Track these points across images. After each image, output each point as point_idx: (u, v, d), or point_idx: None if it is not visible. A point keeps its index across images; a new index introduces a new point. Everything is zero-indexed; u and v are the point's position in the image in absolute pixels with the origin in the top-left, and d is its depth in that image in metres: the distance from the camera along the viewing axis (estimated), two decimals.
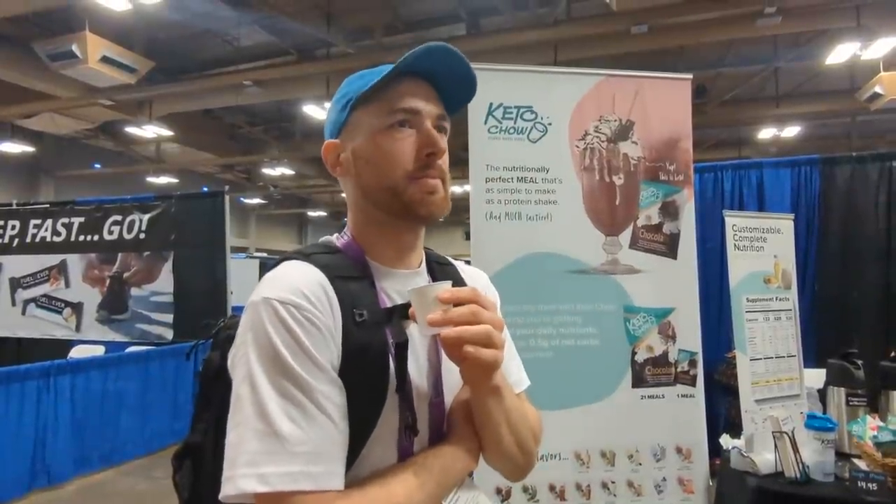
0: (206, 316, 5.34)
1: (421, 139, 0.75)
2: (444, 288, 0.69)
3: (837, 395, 2.30)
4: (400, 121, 0.75)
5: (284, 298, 0.65)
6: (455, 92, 0.80)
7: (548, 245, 2.29)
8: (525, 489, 2.17)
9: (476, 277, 0.92)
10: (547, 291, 2.27)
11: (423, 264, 0.84)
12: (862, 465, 2.03)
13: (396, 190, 0.74)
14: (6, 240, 6.03)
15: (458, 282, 0.86)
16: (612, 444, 2.26)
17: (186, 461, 0.79)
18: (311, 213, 21.92)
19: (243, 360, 0.64)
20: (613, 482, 2.24)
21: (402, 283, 0.77)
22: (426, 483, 0.68)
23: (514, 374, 0.87)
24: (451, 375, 0.77)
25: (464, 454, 0.74)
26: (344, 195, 0.83)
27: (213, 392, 0.77)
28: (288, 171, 14.23)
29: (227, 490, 0.59)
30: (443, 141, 0.77)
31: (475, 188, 2.28)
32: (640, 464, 2.26)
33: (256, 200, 18.30)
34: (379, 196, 0.76)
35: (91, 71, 5.93)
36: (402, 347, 0.70)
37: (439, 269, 0.86)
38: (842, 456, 2.13)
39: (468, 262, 1.06)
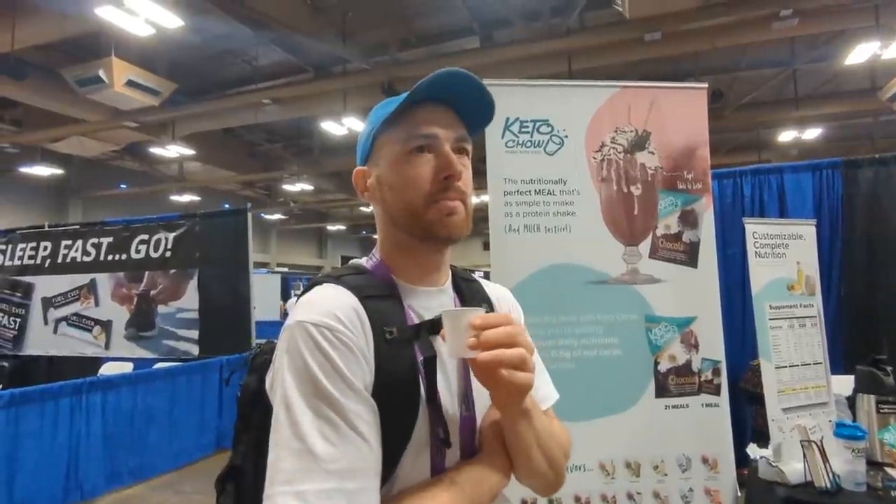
0: (230, 331, 5.44)
1: (439, 162, 0.77)
2: (477, 313, 0.69)
3: (867, 402, 2.27)
4: (418, 146, 0.77)
5: (318, 321, 0.67)
6: (474, 113, 0.82)
7: (568, 256, 2.30)
8: (550, 501, 2.17)
9: (502, 295, 0.94)
10: (568, 302, 2.27)
11: (449, 281, 0.86)
12: (895, 473, 2.00)
13: (416, 213, 0.77)
14: (38, 261, 6.19)
15: (484, 299, 0.89)
16: (637, 454, 2.25)
17: (229, 484, 0.80)
18: (331, 227, 22.16)
19: (280, 383, 0.66)
20: (639, 493, 2.23)
21: (428, 301, 0.80)
22: (458, 499, 0.69)
23: (542, 389, 0.88)
24: (482, 390, 0.79)
25: (495, 471, 0.75)
26: (363, 209, 0.86)
27: (251, 415, 0.79)
28: (307, 187, 14.43)
29: None
30: (462, 162, 0.80)
31: (494, 202, 2.31)
32: (666, 474, 2.24)
33: (277, 216, 18.57)
34: (401, 220, 0.79)
35: (117, 95, 6.15)
36: (430, 361, 0.73)
37: (465, 285, 0.89)
38: (873, 465, 2.09)
39: (487, 274, 1.08)
